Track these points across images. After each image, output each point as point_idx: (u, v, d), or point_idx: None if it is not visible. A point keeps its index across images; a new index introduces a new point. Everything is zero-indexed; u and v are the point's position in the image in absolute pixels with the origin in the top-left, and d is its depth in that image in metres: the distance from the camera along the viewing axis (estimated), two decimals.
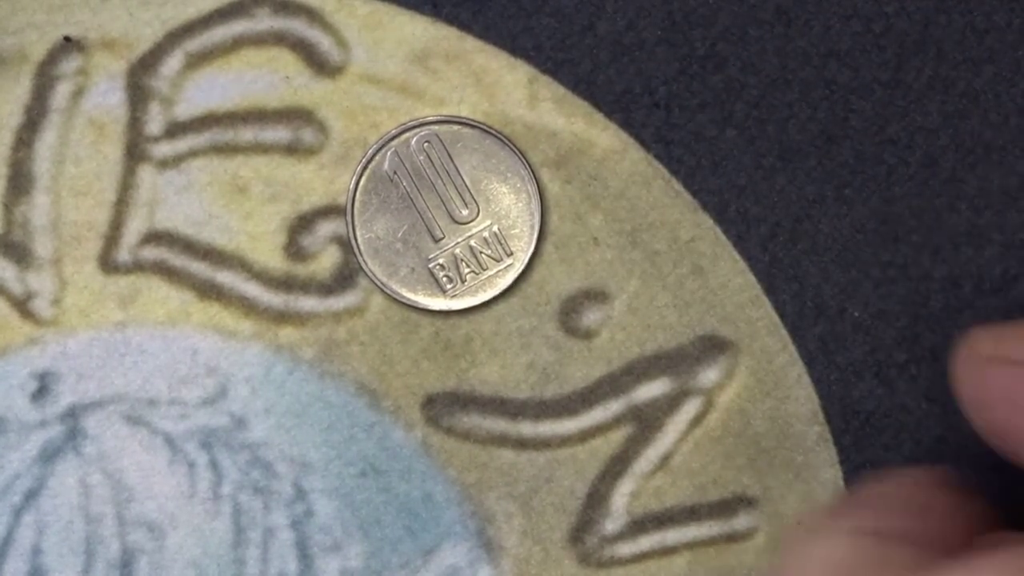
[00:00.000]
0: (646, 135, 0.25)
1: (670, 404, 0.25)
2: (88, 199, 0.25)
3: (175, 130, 0.25)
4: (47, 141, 0.25)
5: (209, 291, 0.25)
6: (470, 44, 0.25)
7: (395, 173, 0.25)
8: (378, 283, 0.25)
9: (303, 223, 0.25)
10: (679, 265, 0.25)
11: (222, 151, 0.25)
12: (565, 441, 0.25)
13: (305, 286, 0.25)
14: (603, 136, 0.25)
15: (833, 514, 0.21)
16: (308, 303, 0.25)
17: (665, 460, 0.25)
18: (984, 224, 0.25)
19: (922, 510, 0.21)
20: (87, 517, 0.25)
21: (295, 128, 0.25)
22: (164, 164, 0.25)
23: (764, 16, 0.25)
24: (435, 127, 0.25)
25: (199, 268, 0.25)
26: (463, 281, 0.25)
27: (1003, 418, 0.21)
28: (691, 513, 0.25)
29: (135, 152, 0.25)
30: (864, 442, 0.25)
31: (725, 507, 0.25)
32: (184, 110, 0.25)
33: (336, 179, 0.25)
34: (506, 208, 0.25)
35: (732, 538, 0.25)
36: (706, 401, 0.25)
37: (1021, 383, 0.21)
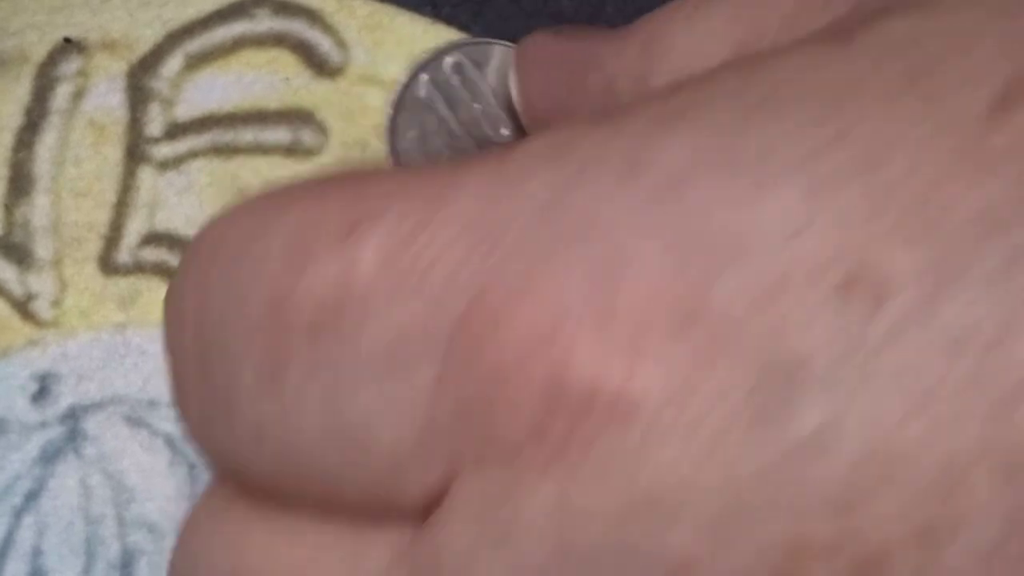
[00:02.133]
0: None
1: None
2: (88, 200, 0.25)
3: (175, 131, 0.25)
4: (47, 142, 0.25)
5: None
6: None
7: (431, 99, 0.25)
8: None
9: None
10: None
11: (222, 152, 0.25)
12: None
13: None
14: None
15: None
16: None
17: None
18: None
19: None
20: (87, 518, 0.25)
21: (295, 129, 0.25)
22: (164, 165, 0.25)
23: None
24: (466, 48, 0.25)
25: None
26: None
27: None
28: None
29: (135, 153, 0.25)
30: None
31: None
32: (184, 111, 0.25)
33: None
34: None
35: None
36: None
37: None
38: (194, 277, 0.17)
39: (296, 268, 0.15)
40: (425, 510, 0.15)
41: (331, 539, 0.16)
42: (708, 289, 0.13)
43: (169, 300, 0.17)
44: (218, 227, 0.17)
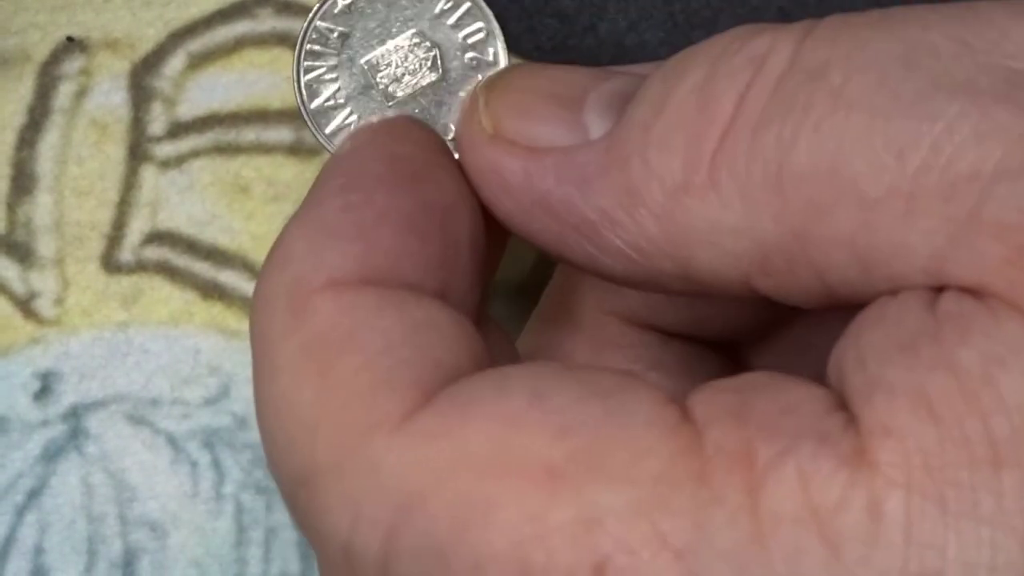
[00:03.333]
0: None
1: None
2: (91, 199, 0.25)
3: (177, 130, 0.25)
4: (50, 141, 0.25)
5: (212, 291, 0.25)
6: None
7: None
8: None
9: None
10: None
11: (224, 151, 0.25)
12: None
13: None
14: None
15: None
16: None
17: None
18: None
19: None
20: (89, 516, 0.25)
21: (297, 128, 0.25)
22: (166, 164, 0.25)
23: (766, 18, 0.25)
24: None
25: (202, 268, 0.25)
26: None
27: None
28: None
29: (138, 152, 0.25)
30: None
31: None
32: (186, 110, 0.25)
33: None
34: None
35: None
36: None
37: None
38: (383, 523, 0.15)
39: None
40: None
41: None
42: None
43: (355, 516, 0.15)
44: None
